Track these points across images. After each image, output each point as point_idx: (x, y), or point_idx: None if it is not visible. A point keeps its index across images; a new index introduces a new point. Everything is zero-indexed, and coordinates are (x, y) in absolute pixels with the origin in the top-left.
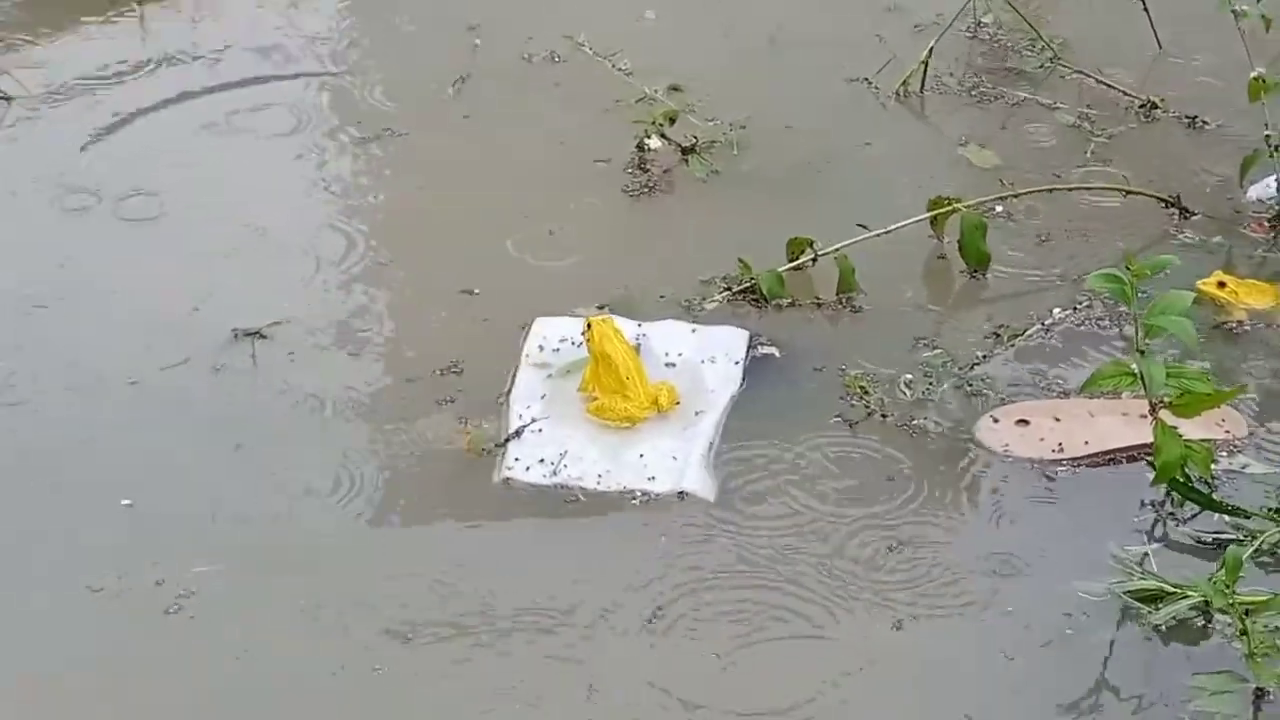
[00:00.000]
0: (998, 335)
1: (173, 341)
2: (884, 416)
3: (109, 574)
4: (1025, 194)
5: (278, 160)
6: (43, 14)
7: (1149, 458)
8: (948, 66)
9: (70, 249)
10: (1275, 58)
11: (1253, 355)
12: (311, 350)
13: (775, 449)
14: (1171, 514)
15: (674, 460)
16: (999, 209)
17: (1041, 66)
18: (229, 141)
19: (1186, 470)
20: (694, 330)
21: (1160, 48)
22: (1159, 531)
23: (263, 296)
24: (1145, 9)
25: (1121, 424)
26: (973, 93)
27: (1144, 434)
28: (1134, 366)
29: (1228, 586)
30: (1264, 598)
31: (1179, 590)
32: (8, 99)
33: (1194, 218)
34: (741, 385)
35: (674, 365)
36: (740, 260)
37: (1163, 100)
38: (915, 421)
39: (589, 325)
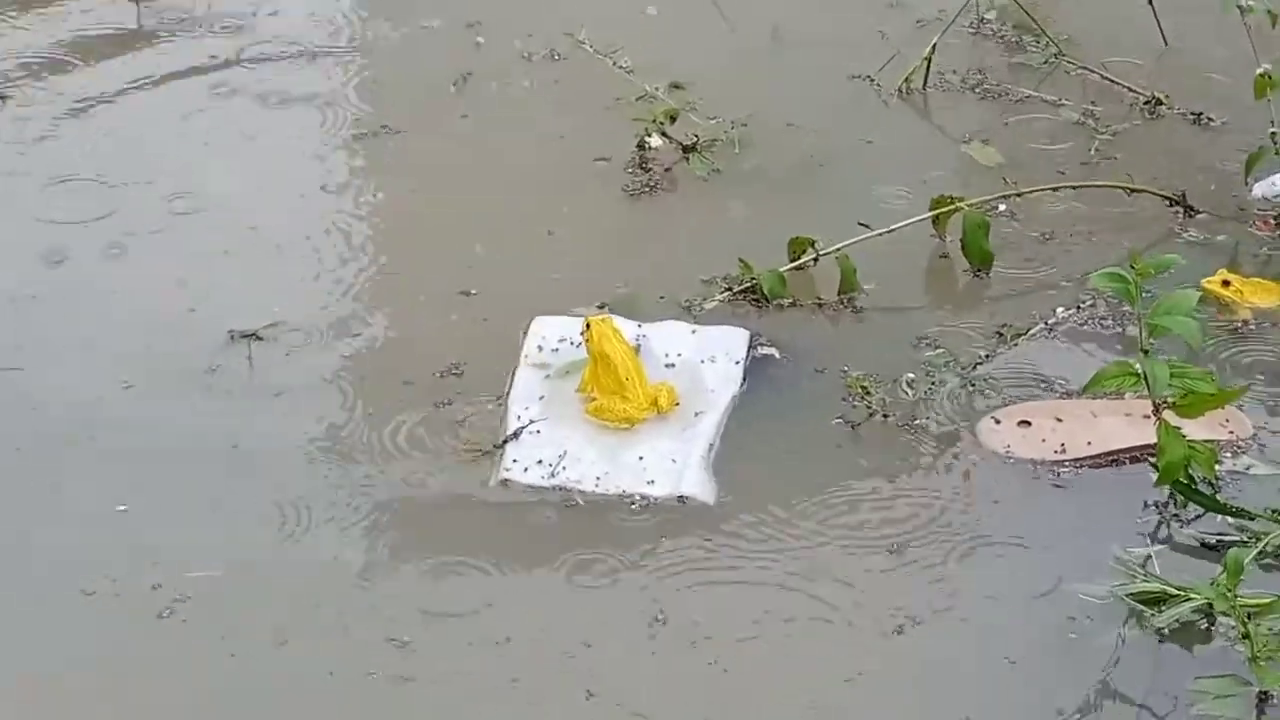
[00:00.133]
0: (1000, 335)
1: (169, 342)
2: (885, 417)
3: (105, 575)
4: (1029, 192)
5: (276, 160)
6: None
7: (1152, 459)
8: (950, 63)
9: (69, 249)
10: None
11: (1257, 354)
12: (308, 351)
13: (775, 449)
14: (1175, 515)
15: (673, 463)
16: (1002, 207)
17: (1045, 63)
18: (227, 141)
19: (1190, 471)
20: (694, 331)
21: (1165, 44)
22: (1162, 533)
23: (260, 297)
24: (1150, 4)
25: (1124, 425)
26: (976, 90)
27: (1147, 435)
28: (1137, 367)
29: (1230, 589)
30: (1268, 600)
31: (1182, 593)
32: (3, 98)
33: (1199, 215)
34: (742, 385)
35: (674, 366)
36: (741, 260)
37: (1168, 96)
38: (917, 422)
39: (588, 325)
